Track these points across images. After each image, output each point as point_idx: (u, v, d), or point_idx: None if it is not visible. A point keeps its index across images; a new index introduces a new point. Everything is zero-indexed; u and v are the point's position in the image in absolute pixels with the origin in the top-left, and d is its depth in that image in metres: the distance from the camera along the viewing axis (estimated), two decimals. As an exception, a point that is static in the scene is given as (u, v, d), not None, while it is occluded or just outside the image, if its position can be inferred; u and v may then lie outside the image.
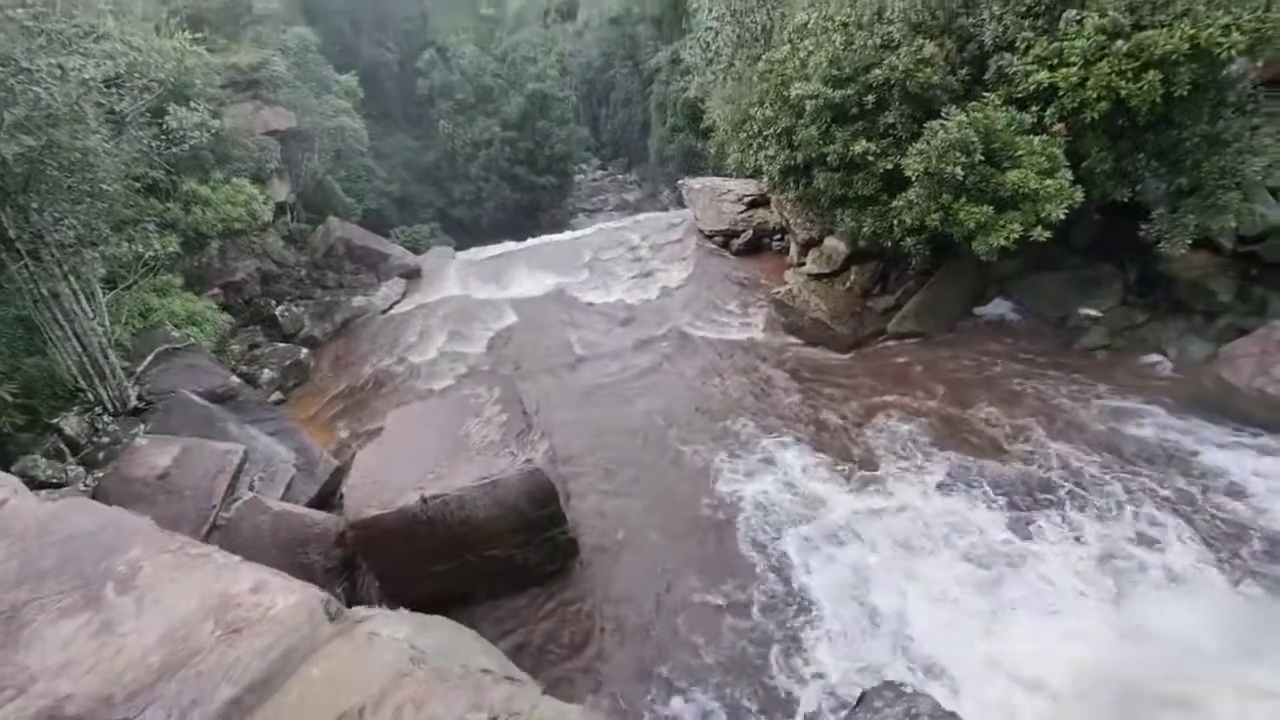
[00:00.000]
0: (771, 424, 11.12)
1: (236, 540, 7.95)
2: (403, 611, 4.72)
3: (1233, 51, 8.69)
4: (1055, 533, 8.19)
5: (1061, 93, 9.72)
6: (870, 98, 11.38)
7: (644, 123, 39.17)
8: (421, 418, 9.84)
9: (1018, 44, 10.44)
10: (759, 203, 18.10)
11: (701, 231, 19.23)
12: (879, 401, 11.19)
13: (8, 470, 8.09)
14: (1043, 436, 9.65)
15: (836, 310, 13.21)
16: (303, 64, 22.51)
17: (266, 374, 14.60)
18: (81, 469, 9.34)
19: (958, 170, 9.93)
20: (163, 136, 11.79)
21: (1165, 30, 8.92)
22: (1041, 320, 12.22)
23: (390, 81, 35.35)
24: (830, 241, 13.93)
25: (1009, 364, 11.45)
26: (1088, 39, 9.47)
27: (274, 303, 17.50)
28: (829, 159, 11.86)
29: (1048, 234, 9.66)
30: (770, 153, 13.08)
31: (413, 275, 20.95)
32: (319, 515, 9.09)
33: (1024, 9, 10.47)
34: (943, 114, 10.54)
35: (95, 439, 9.89)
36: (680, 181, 22.49)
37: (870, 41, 11.59)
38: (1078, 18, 9.69)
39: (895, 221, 11.30)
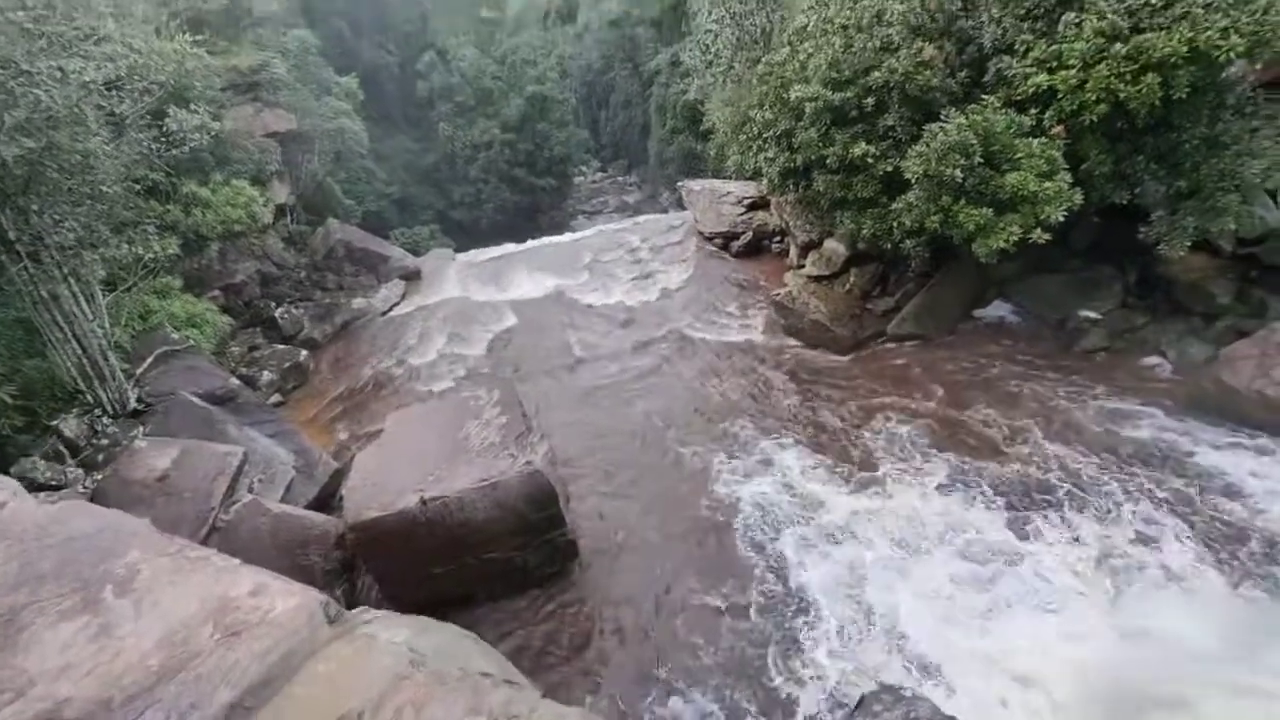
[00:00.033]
0: (770, 425, 11.12)
1: (236, 542, 7.96)
2: (402, 614, 4.71)
3: (1231, 54, 8.69)
4: (1053, 533, 8.20)
5: (1060, 95, 9.73)
6: (870, 100, 11.39)
7: (644, 125, 39.25)
8: (421, 420, 9.85)
9: (1017, 47, 10.46)
10: (759, 205, 18.13)
11: (701, 233, 19.25)
12: (878, 403, 11.19)
13: (7, 472, 8.10)
14: (1042, 438, 9.66)
15: (836, 312, 13.22)
16: (303, 66, 22.57)
17: (266, 376, 14.60)
18: (81, 471, 9.34)
19: (957, 173, 9.94)
20: (163, 139, 11.80)
21: (1164, 33, 8.93)
22: (1041, 322, 12.23)
23: (390, 84, 35.43)
24: (830, 244, 13.94)
25: (1008, 366, 11.46)
26: (1086, 42, 9.48)
27: (274, 305, 17.51)
28: (828, 161, 11.88)
29: (1047, 236, 9.66)
30: (770, 155, 13.09)
31: (412, 277, 20.96)
32: (318, 517, 9.08)
33: (1023, 12, 10.49)
34: (942, 116, 10.55)
35: (94, 441, 9.88)
36: (680, 183, 22.53)
37: (870, 44, 11.61)
38: (1076, 21, 9.71)
39: (895, 224, 11.31)
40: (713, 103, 20.46)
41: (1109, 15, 9.43)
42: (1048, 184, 9.62)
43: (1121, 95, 9.15)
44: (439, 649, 4.20)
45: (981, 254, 10.11)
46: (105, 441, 9.85)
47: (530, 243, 23.60)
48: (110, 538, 4.64)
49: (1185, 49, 8.74)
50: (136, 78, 10.64)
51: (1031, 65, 10.12)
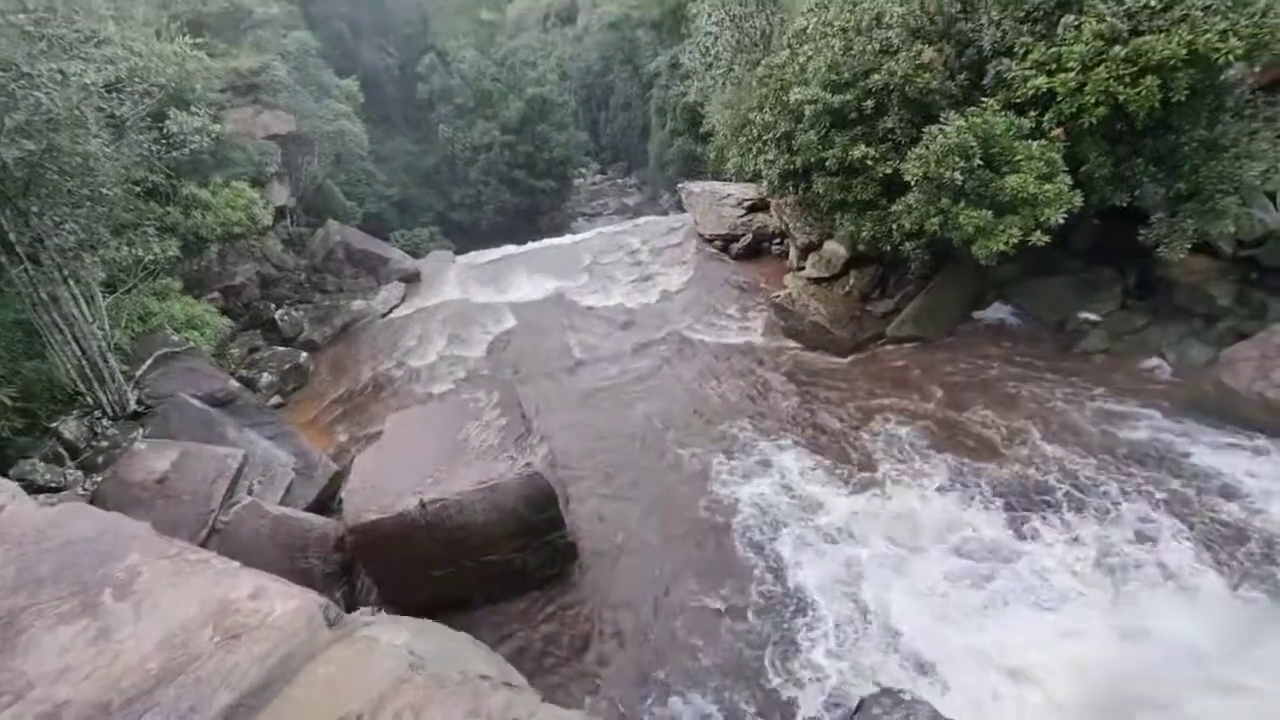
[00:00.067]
0: (770, 427, 11.13)
1: (235, 544, 7.96)
2: (402, 617, 4.71)
3: (1230, 57, 8.70)
4: (1051, 533, 8.23)
5: (1060, 98, 9.74)
6: (869, 103, 11.41)
7: (643, 127, 39.23)
8: (420, 422, 9.85)
9: (1016, 49, 10.47)
10: (758, 207, 18.13)
11: (701, 235, 19.26)
12: (877, 405, 11.20)
13: (6, 474, 8.10)
14: (1041, 439, 9.66)
15: (836, 314, 13.22)
16: (303, 68, 22.56)
17: (266, 378, 14.60)
18: (80, 473, 9.34)
19: (956, 175, 9.94)
20: (163, 141, 11.80)
21: (1163, 36, 8.94)
22: (1041, 324, 12.23)
23: (390, 86, 35.42)
24: (830, 246, 13.95)
25: (1008, 367, 11.46)
26: (1086, 44, 9.49)
27: (273, 306, 17.51)
28: (828, 164, 11.89)
29: (1047, 238, 9.66)
30: (769, 157, 13.10)
31: (412, 279, 20.97)
32: (318, 519, 9.09)
33: (1022, 14, 10.50)
34: (941, 119, 10.56)
35: (94, 443, 9.88)
36: (680, 186, 22.52)
37: (869, 47, 11.62)
38: (1076, 23, 9.71)
39: (894, 226, 11.32)
40: (712, 105, 20.48)
41: (1108, 18, 9.44)
42: (1047, 186, 9.62)
43: (1121, 98, 9.16)
44: (439, 652, 4.20)
45: (981, 256, 10.11)
46: (105, 443, 9.85)
47: (530, 245, 23.58)
48: (110, 541, 4.64)
49: (1184, 52, 8.74)
50: (137, 80, 10.66)
51: (1031, 68, 10.13)
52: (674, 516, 9.51)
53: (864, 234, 12.10)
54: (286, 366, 15.14)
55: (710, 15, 20.07)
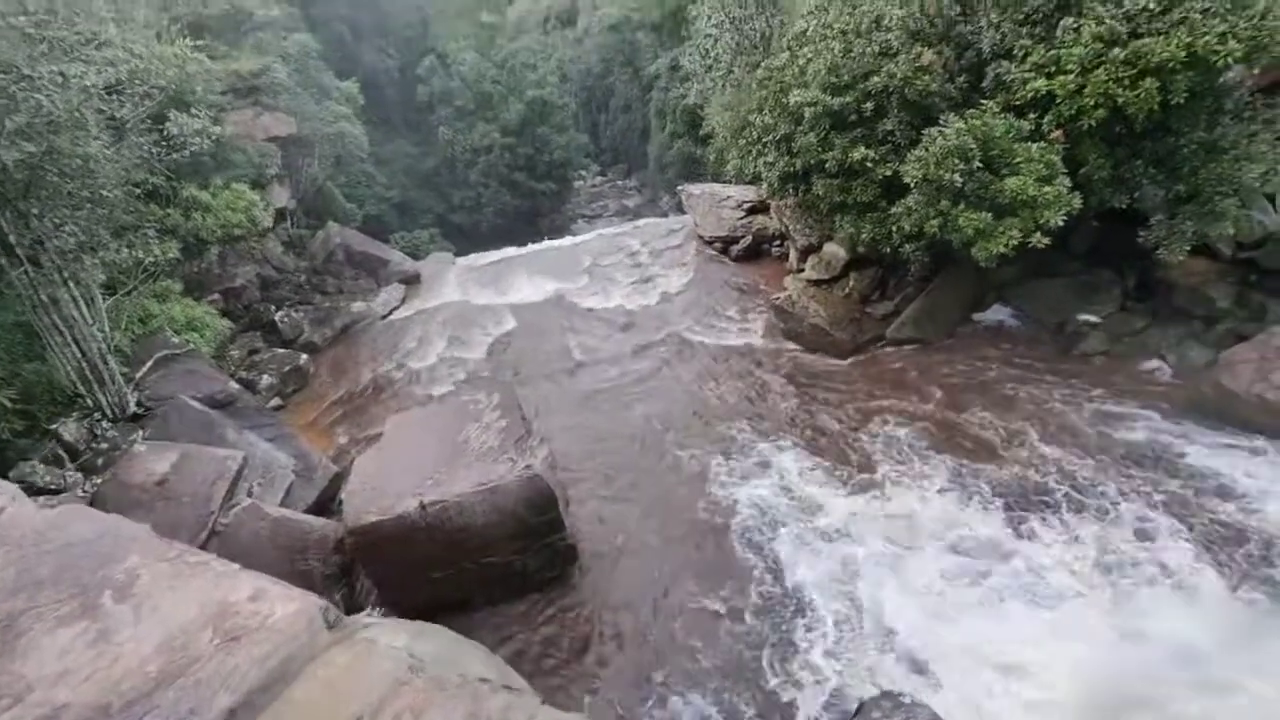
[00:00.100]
0: (769, 429, 11.13)
1: (235, 546, 7.95)
2: (401, 619, 4.71)
3: (1229, 59, 8.71)
4: (1050, 533, 8.23)
5: (1059, 100, 9.75)
6: (869, 105, 11.42)
7: (643, 129, 39.28)
8: (421, 423, 9.85)
9: (1015, 52, 10.48)
10: (758, 209, 18.14)
11: (701, 237, 19.27)
12: (877, 406, 11.20)
13: (6, 476, 8.11)
14: (1040, 441, 9.66)
15: (835, 316, 13.23)
16: (303, 70, 22.60)
17: (266, 379, 14.61)
18: (80, 475, 9.34)
19: (956, 177, 9.95)
20: (163, 143, 11.83)
21: (1162, 38, 8.95)
22: (1040, 326, 12.23)
23: (390, 88, 35.44)
24: (829, 248, 13.96)
25: (1008, 369, 11.46)
26: (1085, 47, 9.51)
27: (274, 308, 17.52)
28: (828, 165, 11.90)
29: (1046, 240, 9.67)
30: (769, 159, 13.12)
31: (412, 281, 20.99)
32: (317, 521, 9.08)
33: (1021, 17, 10.52)
34: (941, 121, 10.57)
35: (94, 445, 9.89)
36: (680, 188, 22.53)
37: (869, 49, 11.64)
38: (1075, 26, 9.73)
39: (894, 228, 11.33)
40: (712, 107, 20.51)
41: (1107, 21, 9.46)
42: (1047, 188, 9.63)
43: (1120, 100, 9.17)
44: (438, 654, 4.20)
45: (981, 258, 10.12)
46: (105, 445, 9.86)
47: (530, 247, 23.60)
48: (109, 543, 4.63)
49: (1183, 54, 8.75)
50: (137, 82, 10.69)
51: (1030, 70, 10.14)
52: (673, 518, 9.51)
53: (864, 236, 12.11)
54: (286, 368, 15.14)
55: (710, 18, 20.11)
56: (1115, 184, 10.17)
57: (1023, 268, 11.98)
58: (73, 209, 9.54)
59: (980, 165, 10.01)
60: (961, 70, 11.28)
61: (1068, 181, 9.77)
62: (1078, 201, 9.70)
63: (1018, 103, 10.36)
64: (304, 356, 15.89)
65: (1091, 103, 9.38)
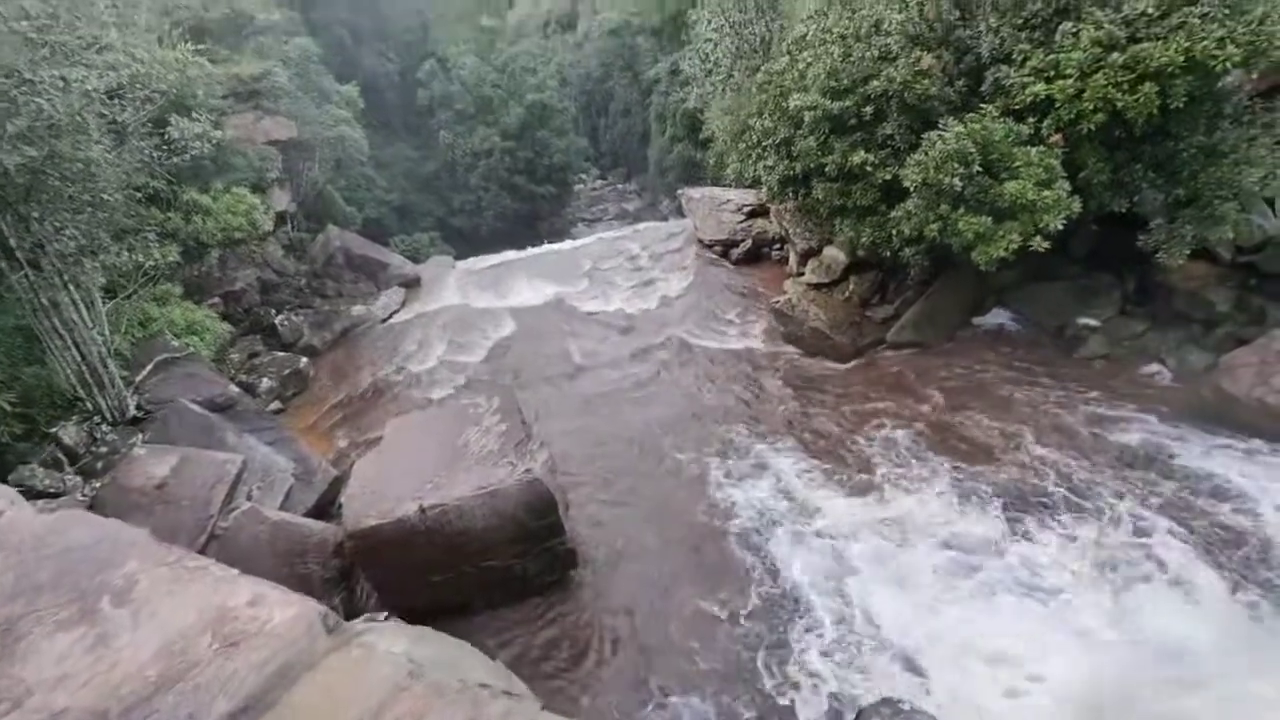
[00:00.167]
0: (768, 432, 11.13)
1: (234, 550, 7.94)
2: (401, 624, 4.70)
3: (1228, 64, 8.73)
4: (1048, 535, 8.24)
5: (1058, 104, 9.77)
6: (868, 109, 11.44)
7: (643, 133, 39.33)
8: (420, 427, 9.83)
9: (1014, 56, 10.51)
10: (758, 212, 18.16)
11: (701, 241, 19.28)
12: (876, 409, 11.19)
13: (5, 480, 8.11)
14: (1039, 444, 9.65)
15: (835, 320, 13.23)
16: (304, 74, 22.64)
17: (265, 383, 14.59)
18: (79, 478, 9.34)
19: (956, 181, 9.96)
20: (164, 147, 11.84)
21: (1160, 43, 8.97)
22: (1040, 330, 12.24)
23: (391, 92, 35.48)
24: (829, 251, 13.97)
25: (1007, 373, 11.46)
26: (1084, 51, 9.53)
27: (273, 312, 17.51)
28: (827, 169, 11.92)
29: (1046, 244, 9.68)
30: (769, 163, 13.14)
31: (412, 284, 20.99)
32: (317, 525, 9.07)
33: (1021, 22, 10.56)
34: (940, 125, 10.59)
35: (93, 448, 9.88)
36: (679, 191, 22.58)
37: (868, 53, 11.67)
38: (1074, 30, 9.76)
39: (894, 232, 11.34)
40: (712, 111, 20.56)
41: (1106, 25, 9.49)
42: (1046, 192, 9.65)
43: (1119, 104, 9.19)
44: (438, 659, 4.18)
45: (981, 262, 10.13)
46: (104, 449, 9.85)
47: (530, 250, 23.64)
48: (108, 547, 4.63)
49: (1182, 58, 8.78)
50: (138, 86, 10.71)
51: (1029, 74, 10.17)
52: (673, 521, 9.50)
53: (863, 240, 12.12)
54: (286, 372, 15.13)
55: (710, 22, 20.18)
56: (1115, 188, 10.18)
57: (1022, 272, 11.98)
58: (73, 213, 9.55)
59: (980, 169, 10.02)
60: (961, 75, 11.30)
61: (1067, 185, 9.79)
62: (1077, 205, 9.72)
63: (1017, 107, 10.38)
64: (304, 360, 15.88)
65: (1091, 107, 9.40)
